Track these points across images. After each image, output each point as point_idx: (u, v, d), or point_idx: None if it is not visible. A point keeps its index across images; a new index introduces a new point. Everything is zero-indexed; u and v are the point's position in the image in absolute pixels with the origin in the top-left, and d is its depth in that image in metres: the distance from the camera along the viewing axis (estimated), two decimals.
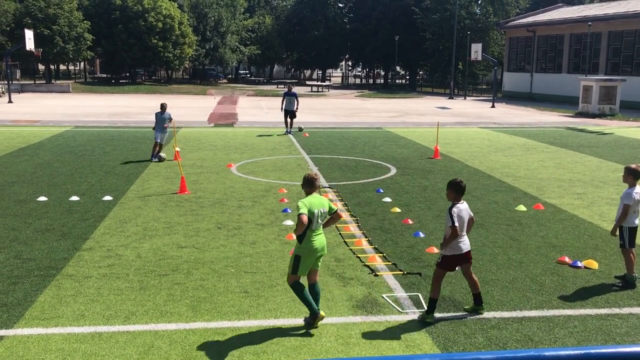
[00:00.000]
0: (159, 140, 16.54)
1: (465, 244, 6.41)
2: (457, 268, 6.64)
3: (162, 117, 16.76)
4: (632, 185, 7.48)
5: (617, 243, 7.90)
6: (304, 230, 6.05)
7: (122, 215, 10.65)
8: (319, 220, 6.16)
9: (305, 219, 5.93)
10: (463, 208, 6.38)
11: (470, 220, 6.50)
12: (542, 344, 5.99)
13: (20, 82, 49.58)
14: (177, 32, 56.28)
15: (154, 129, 16.89)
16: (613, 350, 1.53)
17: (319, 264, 6.33)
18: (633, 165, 7.61)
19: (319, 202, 6.22)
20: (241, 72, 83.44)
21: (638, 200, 7.43)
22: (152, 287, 7.22)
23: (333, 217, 6.35)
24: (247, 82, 73.37)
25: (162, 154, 16.65)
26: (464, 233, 6.41)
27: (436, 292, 6.40)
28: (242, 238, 9.33)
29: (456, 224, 6.24)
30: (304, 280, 6.23)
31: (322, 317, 6.19)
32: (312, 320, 6.17)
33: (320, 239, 6.19)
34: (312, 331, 6.12)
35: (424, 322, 6.34)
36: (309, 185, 6.28)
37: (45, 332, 6.00)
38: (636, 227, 7.54)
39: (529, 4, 63.74)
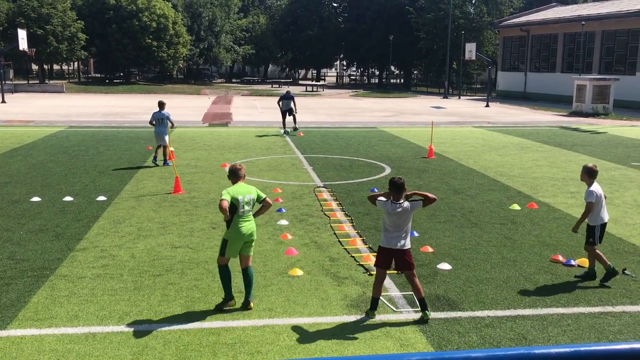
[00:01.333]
0: (159, 143, 15.68)
1: (399, 241, 6.28)
2: (395, 269, 6.61)
3: (161, 115, 15.75)
4: (590, 184, 7.60)
5: (584, 241, 8.01)
6: (232, 216, 6.50)
7: (116, 215, 10.63)
8: (246, 207, 6.56)
9: (225, 204, 6.32)
10: (397, 206, 6.28)
11: (427, 198, 6.39)
12: (535, 342, 6.02)
13: (14, 82, 49.35)
14: (171, 32, 56.15)
15: (157, 130, 15.71)
16: (602, 347, 1.54)
17: (250, 250, 6.75)
18: (590, 165, 7.74)
19: (245, 190, 6.64)
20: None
21: (601, 196, 7.57)
22: (146, 288, 7.21)
23: (263, 205, 6.79)
24: (243, 82, 73.24)
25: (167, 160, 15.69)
26: (399, 231, 6.29)
27: (376, 292, 6.47)
28: None
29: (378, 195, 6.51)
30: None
31: (234, 304, 6.65)
32: (223, 304, 6.61)
33: (247, 225, 6.60)
34: (306, 330, 6.13)
35: (368, 317, 6.44)
36: (234, 175, 6.71)
37: (39, 333, 5.99)
38: (606, 223, 7.70)
39: (522, 4, 63.93)
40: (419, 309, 6.46)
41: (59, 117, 28.42)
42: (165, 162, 15.63)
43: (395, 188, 6.33)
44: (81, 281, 7.40)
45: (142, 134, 22.21)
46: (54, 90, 48.91)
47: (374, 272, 7.78)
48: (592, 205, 7.49)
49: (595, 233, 7.60)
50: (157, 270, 7.81)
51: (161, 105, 15.91)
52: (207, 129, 24.99)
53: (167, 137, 15.44)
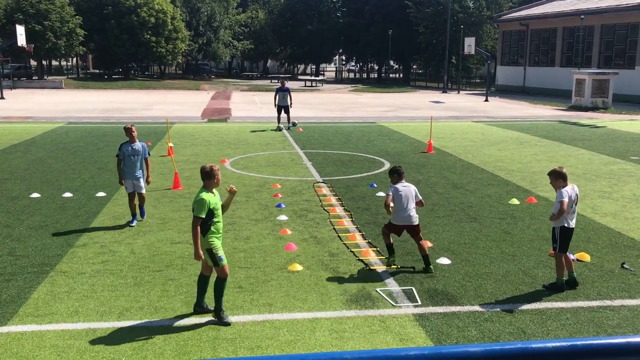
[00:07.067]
0: (131, 190, 9.85)
1: (409, 217, 7.60)
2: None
3: (132, 149, 9.77)
4: (563, 186, 7.05)
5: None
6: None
7: (116, 211, 10.63)
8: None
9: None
10: (401, 188, 7.68)
11: (419, 203, 7.76)
12: (534, 337, 6.04)
13: (12, 78, 49.29)
14: (170, 27, 56.03)
15: (122, 178, 9.86)
16: (599, 341, 1.55)
17: None
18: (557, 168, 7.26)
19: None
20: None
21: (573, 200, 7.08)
22: (146, 283, 7.23)
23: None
24: (241, 77, 73.11)
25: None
26: (407, 207, 7.59)
27: (388, 239, 7.83)
28: (236, 233, 9.34)
29: (390, 195, 7.62)
30: None
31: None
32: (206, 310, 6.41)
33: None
34: (306, 325, 6.14)
35: (389, 267, 7.69)
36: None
37: (39, 329, 6.00)
38: (570, 228, 7.14)
39: None
40: (424, 264, 7.66)
41: (58, 113, 28.39)
42: (138, 216, 9.98)
43: (393, 172, 7.90)
44: (81, 277, 7.41)
45: (141, 130, 22.16)
46: (53, 87, 48.85)
47: (374, 267, 7.83)
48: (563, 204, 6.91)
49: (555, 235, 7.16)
50: (157, 266, 7.82)
51: (129, 132, 9.86)
52: (206, 125, 24.97)
53: (142, 181, 9.91)
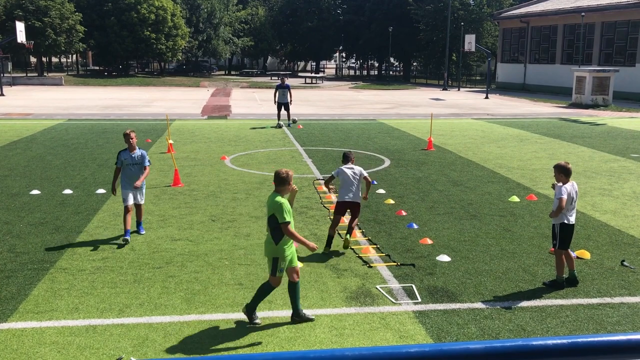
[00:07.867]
0: (130, 203, 8.98)
1: (351, 196, 8.35)
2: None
3: (131, 158, 9.07)
4: (565, 182, 7.10)
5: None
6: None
7: (116, 208, 10.63)
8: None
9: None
10: (346, 169, 8.41)
11: (365, 180, 8.42)
12: (534, 334, 6.04)
13: (12, 75, 49.23)
14: (170, 24, 55.93)
15: (117, 187, 9.40)
16: (600, 339, 1.55)
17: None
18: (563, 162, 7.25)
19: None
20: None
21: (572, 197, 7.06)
22: (146, 280, 7.23)
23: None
24: (242, 74, 73.06)
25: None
26: (350, 187, 8.32)
27: (332, 231, 8.42)
28: (236, 230, 9.34)
29: (333, 175, 8.57)
30: None
31: None
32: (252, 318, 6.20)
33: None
34: (306, 323, 6.14)
35: (325, 255, 8.12)
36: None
37: (39, 326, 6.01)
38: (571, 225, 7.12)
39: None
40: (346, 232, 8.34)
41: (58, 110, 28.36)
42: (138, 226, 9.27)
43: (344, 157, 8.65)
44: (81, 274, 7.41)
45: (141, 127, 22.17)
46: (53, 83, 48.81)
47: (374, 265, 7.84)
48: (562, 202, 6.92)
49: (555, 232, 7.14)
50: (157, 263, 7.83)
51: (128, 138, 9.06)
52: (206, 122, 24.95)
53: (143, 191, 9.24)
